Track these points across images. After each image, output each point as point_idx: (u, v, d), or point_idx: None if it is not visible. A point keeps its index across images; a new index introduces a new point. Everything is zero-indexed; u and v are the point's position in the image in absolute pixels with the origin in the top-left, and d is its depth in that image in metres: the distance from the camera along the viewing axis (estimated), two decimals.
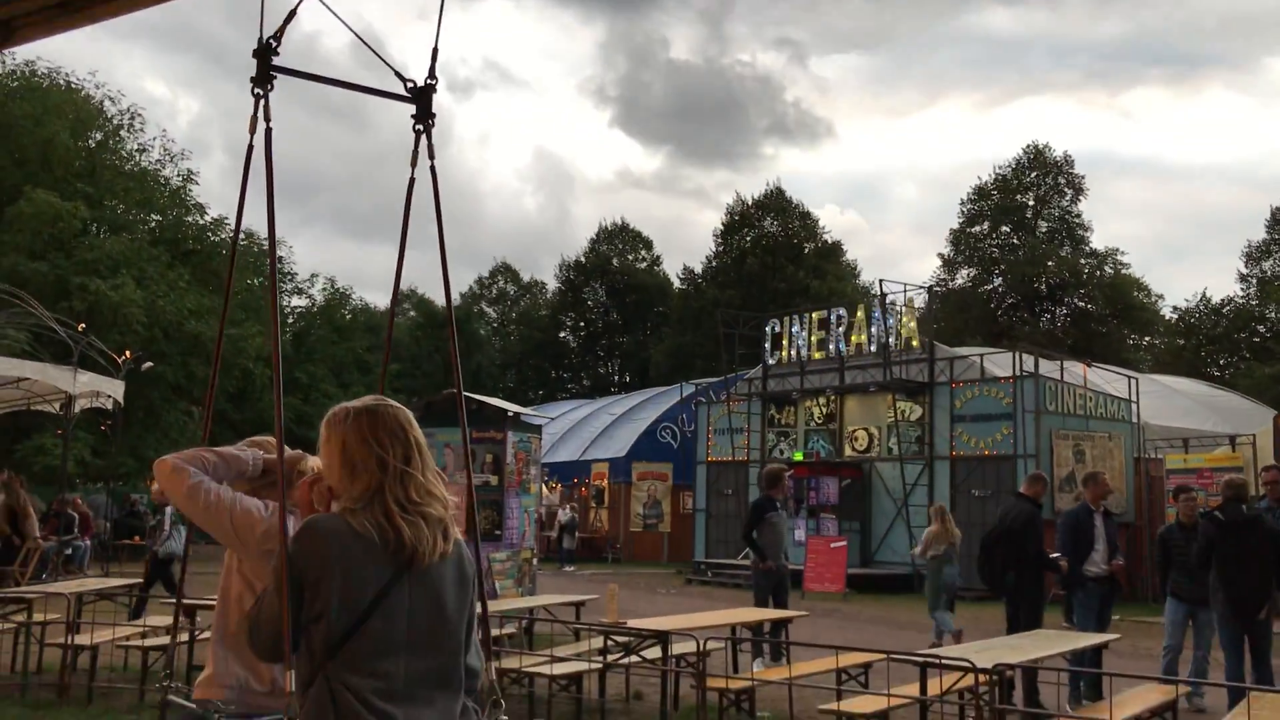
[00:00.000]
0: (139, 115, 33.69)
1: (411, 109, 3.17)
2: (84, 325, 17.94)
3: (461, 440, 12.29)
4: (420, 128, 3.17)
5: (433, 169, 3.13)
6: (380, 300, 52.31)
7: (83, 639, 9.06)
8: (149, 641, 9.18)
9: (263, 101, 2.86)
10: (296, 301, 40.59)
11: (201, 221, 33.79)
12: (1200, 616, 9.41)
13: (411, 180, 3.20)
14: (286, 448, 2.98)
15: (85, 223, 29.68)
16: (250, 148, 2.89)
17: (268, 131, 2.82)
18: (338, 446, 2.60)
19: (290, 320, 38.43)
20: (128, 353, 20.77)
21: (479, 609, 2.70)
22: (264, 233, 33.04)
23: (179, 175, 34.08)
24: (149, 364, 23.68)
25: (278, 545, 2.50)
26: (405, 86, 3.17)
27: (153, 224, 33.11)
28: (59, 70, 32.30)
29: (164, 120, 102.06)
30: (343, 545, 2.43)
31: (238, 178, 2.97)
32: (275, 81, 2.89)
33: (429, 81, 3.16)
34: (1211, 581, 8.94)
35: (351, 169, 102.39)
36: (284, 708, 2.44)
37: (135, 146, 33.92)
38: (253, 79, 2.86)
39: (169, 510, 14.47)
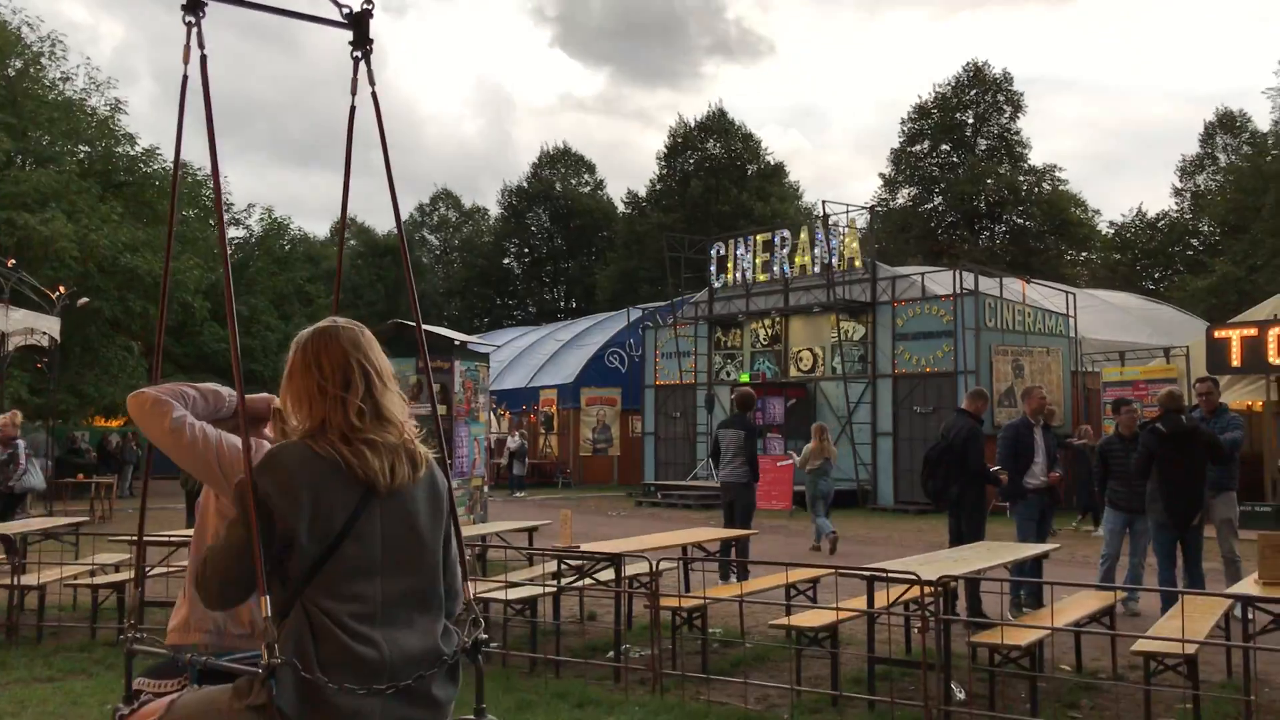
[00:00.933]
0: (60, 42, 32.46)
1: (348, 35, 3.05)
2: (14, 260, 17.47)
3: (418, 369, 12.10)
4: (358, 54, 3.06)
5: (374, 96, 3.03)
6: (319, 229, 51.61)
7: (29, 579, 8.97)
8: (98, 579, 9.12)
9: (195, 30, 2.75)
10: (234, 233, 39.82)
11: (132, 152, 32.82)
12: (1137, 525, 9.68)
13: (352, 109, 3.14)
14: (260, 393, 2.90)
15: (9, 154, 28.72)
16: (185, 78, 2.80)
17: (203, 59, 2.72)
18: (286, 374, 2.54)
19: (228, 252, 37.68)
20: (61, 288, 20.29)
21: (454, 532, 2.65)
22: (197, 163, 32.04)
23: (106, 105, 33.00)
24: (85, 300, 23.18)
25: (243, 478, 2.41)
26: (341, 12, 3.05)
27: (81, 155, 32.10)
28: None
29: (86, 46, 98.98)
30: (308, 471, 2.36)
31: (167, 106, 2.89)
32: (207, 8, 2.79)
33: (365, 7, 3.04)
34: (1149, 491, 9.19)
35: (284, 94, 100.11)
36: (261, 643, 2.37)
37: (58, 75, 32.71)
38: (184, 6, 2.76)
39: (21, 444, 14.02)
